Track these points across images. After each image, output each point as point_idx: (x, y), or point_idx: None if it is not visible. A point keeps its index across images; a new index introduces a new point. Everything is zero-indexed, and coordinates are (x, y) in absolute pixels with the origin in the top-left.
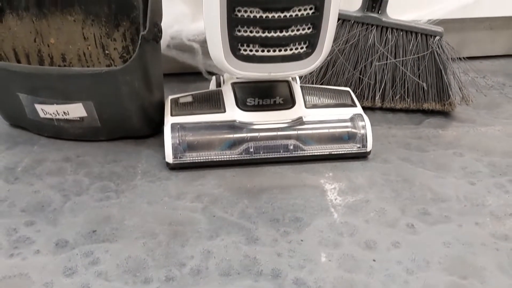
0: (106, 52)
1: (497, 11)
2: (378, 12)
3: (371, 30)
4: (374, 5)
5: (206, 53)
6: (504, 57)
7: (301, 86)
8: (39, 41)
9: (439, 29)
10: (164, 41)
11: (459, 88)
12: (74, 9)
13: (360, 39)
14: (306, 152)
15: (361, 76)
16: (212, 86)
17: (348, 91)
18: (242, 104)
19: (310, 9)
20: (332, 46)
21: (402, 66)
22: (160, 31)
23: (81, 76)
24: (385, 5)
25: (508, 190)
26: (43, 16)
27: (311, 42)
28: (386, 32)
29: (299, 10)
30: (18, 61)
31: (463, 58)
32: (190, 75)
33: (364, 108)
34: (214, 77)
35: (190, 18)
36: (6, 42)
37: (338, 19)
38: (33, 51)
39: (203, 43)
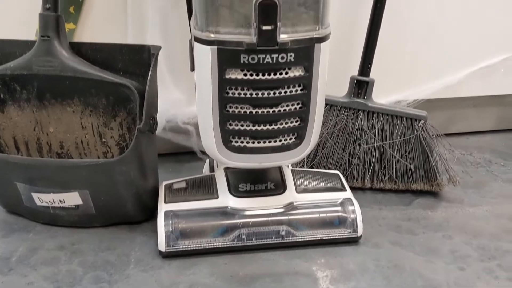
0: (103, 140)
1: (479, 90)
2: (364, 98)
3: (358, 115)
4: (360, 91)
5: (200, 134)
6: (490, 132)
7: (292, 170)
8: (39, 130)
9: (423, 113)
10: (160, 125)
11: (446, 170)
12: (74, 101)
13: (348, 123)
14: (297, 238)
15: (350, 158)
16: (206, 169)
17: (338, 175)
18: (234, 190)
19: (297, 104)
20: (321, 129)
21: (389, 148)
22: (155, 122)
23: (78, 167)
24: (370, 91)
25: (498, 276)
26: (43, 107)
27: (299, 133)
28: (373, 116)
29: (287, 106)
30: (17, 149)
31: (450, 134)
32: (185, 154)
33: (354, 189)
34: (207, 160)
35: (185, 103)
36: (7, 130)
37: (326, 104)
38: (32, 139)
39: (197, 126)
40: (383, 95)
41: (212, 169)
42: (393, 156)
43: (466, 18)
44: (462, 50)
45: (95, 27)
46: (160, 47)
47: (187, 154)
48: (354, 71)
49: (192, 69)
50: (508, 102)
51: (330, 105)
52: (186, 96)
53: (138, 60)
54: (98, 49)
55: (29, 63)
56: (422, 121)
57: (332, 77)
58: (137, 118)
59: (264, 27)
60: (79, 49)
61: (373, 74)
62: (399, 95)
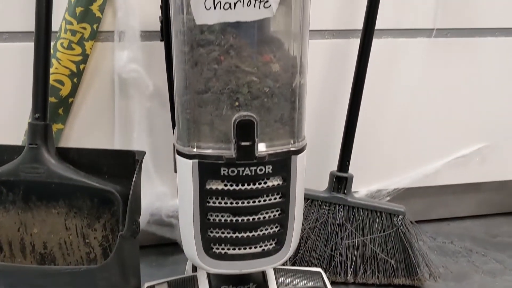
0: (87, 241)
1: (457, 178)
2: (343, 193)
3: (338, 209)
4: (339, 186)
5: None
6: (470, 218)
7: (274, 269)
8: (23, 231)
9: (401, 208)
10: (144, 218)
11: (427, 265)
12: (59, 203)
13: (329, 218)
14: None
15: (332, 253)
16: (189, 266)
17: (320, 273)
18: None
19: (277, 211)
20: (303, 224)
21: (370, 243)
22: (138, 227)
23: (60, 274)
24: (350, 186)
25: None
26: (28, 209)
27: (279, 239)
28: (353, 211)
29: (267, 213)
30: (1, 248)
31: (432, 220)
32: (168, 246)
33: (337, 284)
34: None
35: (170, 196)
36: None
37: (308, 199)
38: (16, 239)
39: None
40: (364, 185)
41: (194, 269)
42: (374, 251)
43: (441, 110)
44: (438, 141)
45: (83, 126)
46: (144, 153)
47: (170, 246)
48: (334, 163)
49: (175, 170)
50: (486, 189)
51: (311, 199)
52: (170, 189)
53: (123, 165)
54: (84, 154)
55: (16, 170)
56: (400, 217)
57: (312, 171)
58: (120, 223)
59: (243, 143)
60: (66, 154)
61: (353, 164)
62: (379, 184)
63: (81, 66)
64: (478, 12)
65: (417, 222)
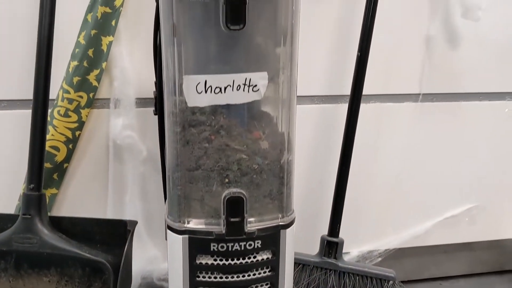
0: None
1: (447, 239)
2: (334, 257)
3: (329, 274)
4: (330, 251)
5: None
6: (463, 277)
7: None
8: None
9: (391, 273)
10: (135, 282)
11: None
12: (50, 271)
13: (320, 283)
14: None
15: None
16: None
17: None
18: None
19: (266, 284)
20: None
21: None
22: None
23: None
24: (341, 251)
25: None
26: (19, 277)
27: None
28: (344, 276)
29: (256, 287)
30: None
31: (424, 280)
32: None
33: None
34: None
35: (161, 260)
36: None
37: (299, 264)
38: None
39: None
40: (356, 246)
41: None
42: None
43: (429, 172)
44: (428, 201)
45: (77, 190)
46: (136, 222)
47: None
48: (325, 226)
49: (166, 238)
50: (478, 248)
51: (302, 264)
52: (162, 253)
53: (115, 234)
54: (77, 223)
55: (9, 240)
56: (391, 282)
57: (304, 234)
58: None
59: (232, 219)
60: (59, 223)
61: (344, 225)
62: (371, 245)
63: (77, 133)
64: (462, 77)
65: (409, 282)
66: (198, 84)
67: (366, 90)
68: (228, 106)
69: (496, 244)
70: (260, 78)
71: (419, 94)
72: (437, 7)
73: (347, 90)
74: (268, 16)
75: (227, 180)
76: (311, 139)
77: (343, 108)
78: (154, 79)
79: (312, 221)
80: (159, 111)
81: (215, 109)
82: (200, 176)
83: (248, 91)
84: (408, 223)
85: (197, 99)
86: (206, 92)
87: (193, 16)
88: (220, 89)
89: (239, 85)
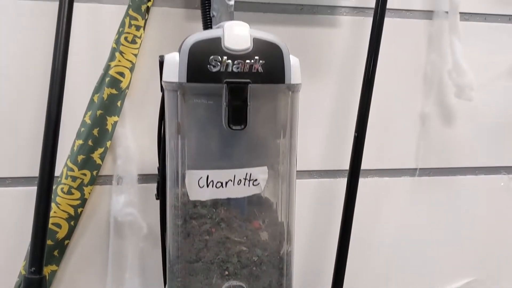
0: None
1: None
2: None
3: None
4: None
5: None
6: None
7: None
8: None
9: None
10: None
11: None
12: None
13: None
14: None
15: None
16: None
17: None
18: None
19: None
20: None
21: None
22: None
23: None
24: None
25: None
26: None
27: None
28: None
29: None
30: None
31: None
32: None
33: None
34: None
35: None
36: None
37: None
38: None
39: None
40: None
41: None
42: None
43: (428, 245)
44: (427, 275)
45: (76, 266)
46: None
47: None
48: None
49: None
50: None
51: None
52: None
53: None
54: None
55: None
56: None
57: None
58: None
59: None
60: None
61: None
62: None
63: (79, 210)
64: (458, 152)
65: None
66: (200, 178)
67: (364, 164)
68: (229, 199)
69: None
70: (260, 173)
71: (416, 168)
72: (431, 87)
73: (345, 164)
74: (268, 115)
75: (227, 272)
76: (309, 213)
77: (342, 183)
78: (157, 165)
79: None
80: (161, 204)
81: (216, 202)
82: (200, 269)
83: (249, 185)
84: None
85: (198, 193)
86: (207, 186)
87: (197, 115)
88: (222, 183)
89: (240, 180)
